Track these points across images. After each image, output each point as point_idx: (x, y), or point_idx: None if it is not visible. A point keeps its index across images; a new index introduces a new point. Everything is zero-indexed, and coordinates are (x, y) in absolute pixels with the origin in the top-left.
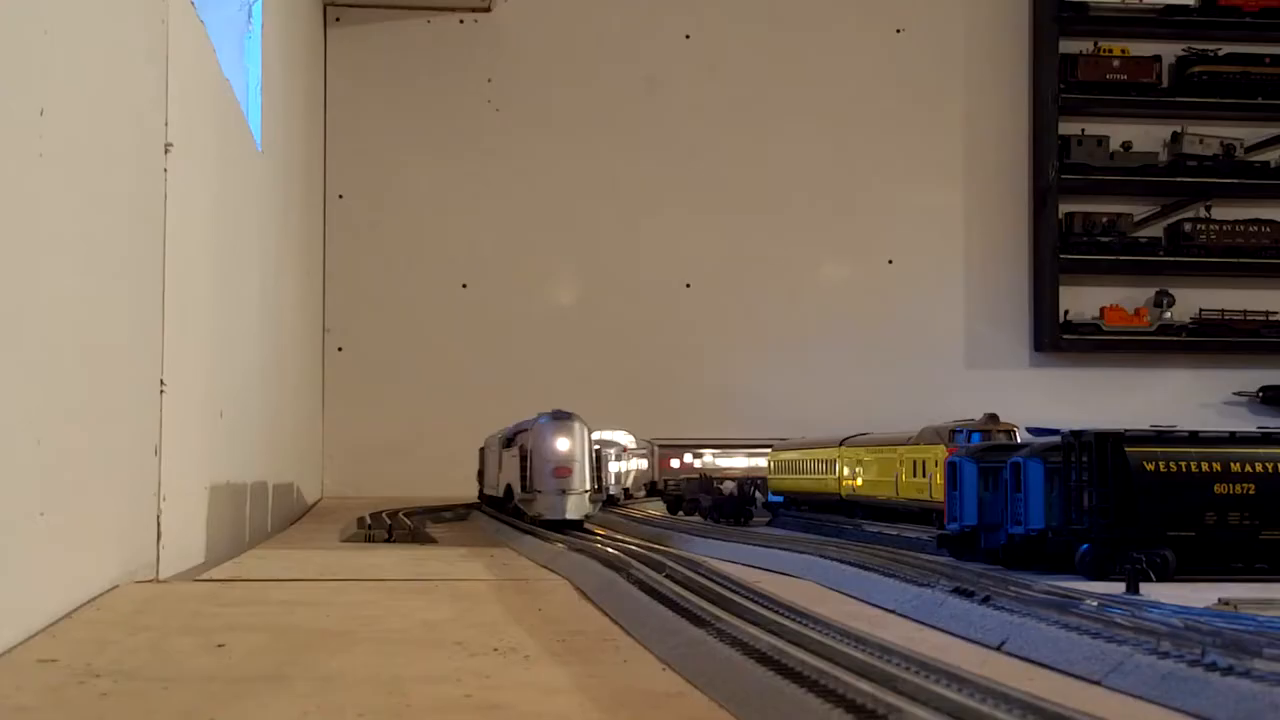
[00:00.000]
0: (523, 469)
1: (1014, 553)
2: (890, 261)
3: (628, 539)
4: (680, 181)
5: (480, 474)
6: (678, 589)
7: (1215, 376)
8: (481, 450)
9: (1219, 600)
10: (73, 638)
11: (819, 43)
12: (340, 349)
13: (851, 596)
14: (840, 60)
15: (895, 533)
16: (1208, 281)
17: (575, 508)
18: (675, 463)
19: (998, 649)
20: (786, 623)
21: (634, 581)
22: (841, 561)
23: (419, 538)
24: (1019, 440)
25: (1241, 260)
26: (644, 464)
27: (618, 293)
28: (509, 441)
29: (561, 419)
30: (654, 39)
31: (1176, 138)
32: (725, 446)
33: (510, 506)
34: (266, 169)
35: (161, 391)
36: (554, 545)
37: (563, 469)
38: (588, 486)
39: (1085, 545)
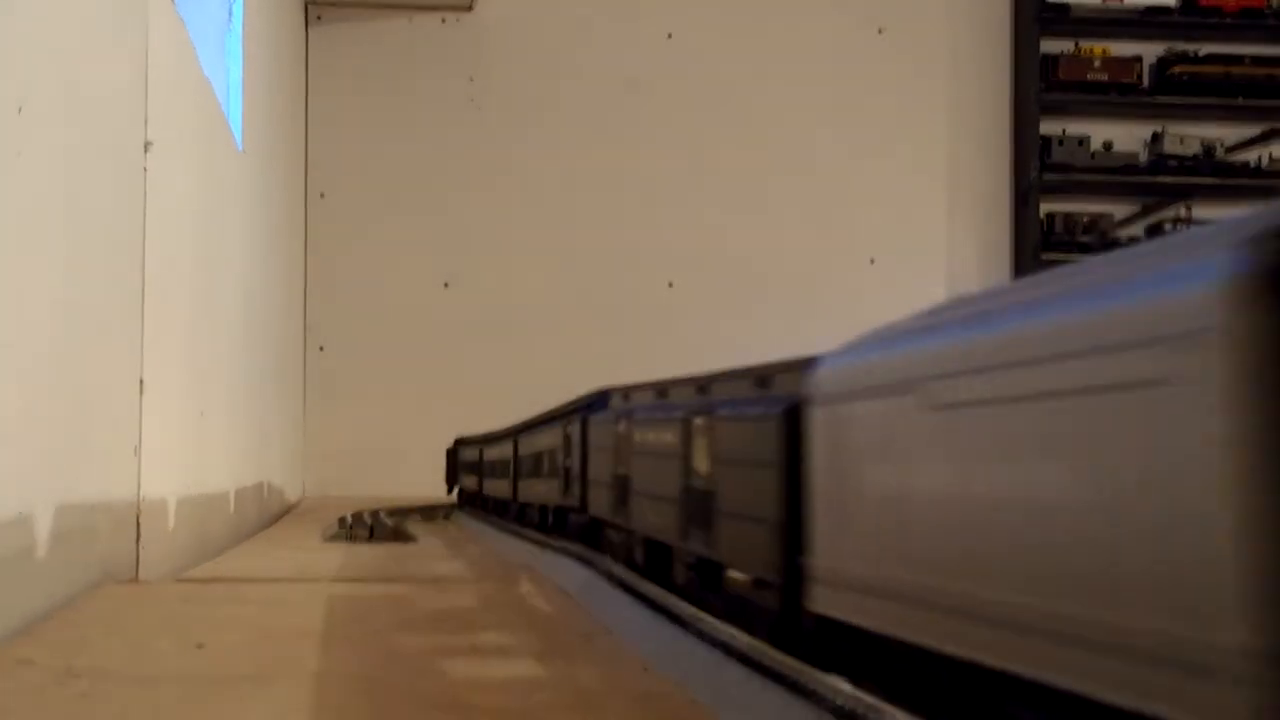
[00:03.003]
0: None
1: None
2: (872, 261)
3: None
4: (662, 181)
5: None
6: (660, 588)
7: None
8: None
9: None
10: (51, 638)
11: (800, 42)
12: (322, 348)
13: None
14: (821, 60)
15: None
16: None
17: None
18: None
19: None
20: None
21: (616, 581)
22: None
23: (400, 536)
24: None
25: None
26: None
27: (601, 292)
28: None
29: None
30: (636, 38)
31: (1157, 138)
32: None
33: None
34: (247, 168)
35: (141, 391)
36: None
37: None
38: None
39: None
